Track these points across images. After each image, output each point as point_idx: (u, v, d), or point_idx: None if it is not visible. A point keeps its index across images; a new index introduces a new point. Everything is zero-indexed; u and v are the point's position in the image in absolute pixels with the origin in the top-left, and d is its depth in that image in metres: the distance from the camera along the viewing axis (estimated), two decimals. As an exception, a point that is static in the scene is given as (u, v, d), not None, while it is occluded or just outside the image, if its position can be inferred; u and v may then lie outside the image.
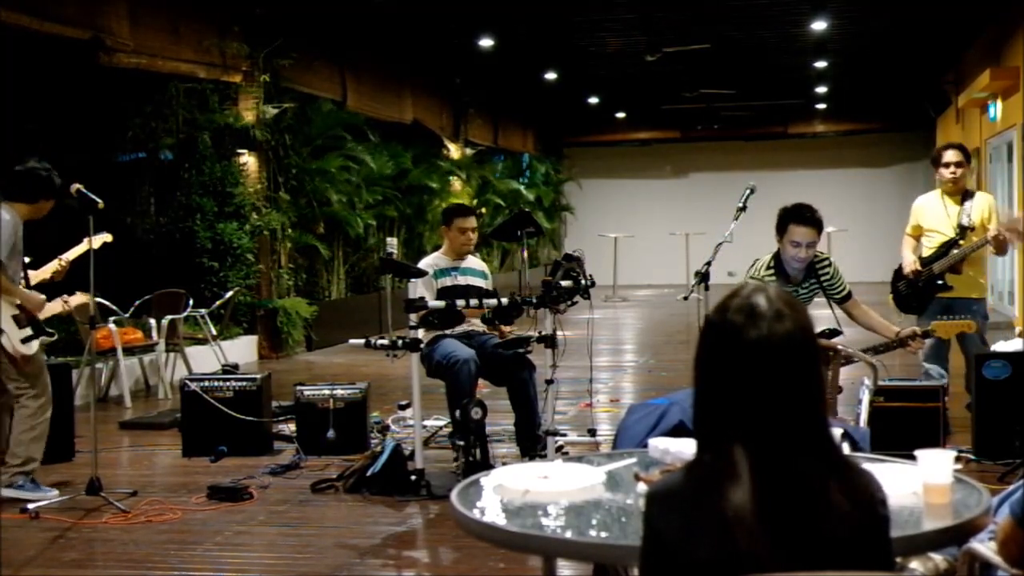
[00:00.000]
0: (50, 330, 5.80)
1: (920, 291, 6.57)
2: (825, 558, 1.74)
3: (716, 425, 1.83)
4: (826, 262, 5.55)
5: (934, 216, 6.59)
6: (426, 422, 6.51)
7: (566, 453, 5.84)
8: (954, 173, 6.49)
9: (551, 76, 16.91)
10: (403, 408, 7.05)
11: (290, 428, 6.89)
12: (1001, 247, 6.35)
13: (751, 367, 1.80)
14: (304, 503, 5.58)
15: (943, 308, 6.47)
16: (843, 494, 1.79)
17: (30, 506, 5.34)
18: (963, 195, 6.53)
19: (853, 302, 5.62)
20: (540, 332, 5.77)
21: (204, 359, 9.73)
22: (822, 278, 5.50)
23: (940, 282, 6.48)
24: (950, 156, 6.52)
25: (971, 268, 6.51)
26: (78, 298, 5.97)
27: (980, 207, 6.50)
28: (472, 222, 6.46)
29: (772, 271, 5.45)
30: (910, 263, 6.62)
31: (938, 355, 6.52)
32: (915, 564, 3.49)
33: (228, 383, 6.73)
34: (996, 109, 13.87)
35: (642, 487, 2.67)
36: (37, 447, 5.63)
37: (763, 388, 1.79)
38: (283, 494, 5.74)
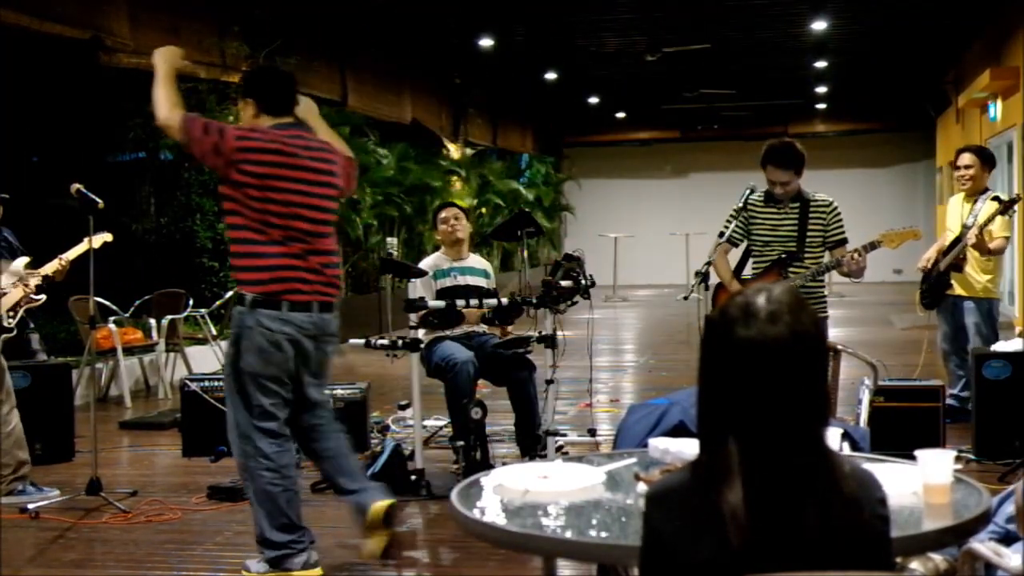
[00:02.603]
0: (8, 324, 5.78)
1: (932, 287, 6.81)
2: (824, 558, 1.74)
3: (713, 423, 1.83)
4: (824, 206, 5.49)
5: (951, 215, 6.89)
6: (426, 422, 6.51)
7: (566, 453, 5.84)
8: (963, 175, 6.71)
9: (551, 76, 16.92)
10: (403, 408, 7.05)
11: (290, 428, 6.87)
12: (978, 247, 6.47)
13: (741, 366, 1.80)
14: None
15: (951, 305, 6.80)
16: (840, 494, 1.79)
17: (30, 506, 5.34)
18: (978, 195, 6.69)
19: (839, 251, 5.50)
20: (540, 332, 5.77)
21: (204, 359, 9.73)
22: (810, 214, 5.48)
23: (945, 279, 6.71)
24: (961, 160, 6.76)
25: (974, 268, 6.62)
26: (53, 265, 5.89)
27: (987, 208, 6.60)
28: (451, 211, 6.51)
29: (761, 194, 5.55)
30: (924, 258, 6.89)
31: (954, 344, 6.78)
32: (915, 564, 3.50)
33: (228, 383, 6.71)
34: (996, 109, 13.87)
35: (642, 487, 2.67)
36: (21, 450, 5.63)
37: (753, 388, 1.79)
38: (283, 494, 5.72)
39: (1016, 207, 6.46)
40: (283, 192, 4.13)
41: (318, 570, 4.29)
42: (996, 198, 6.52)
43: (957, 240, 6.64)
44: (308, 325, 4.22)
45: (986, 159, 6.78)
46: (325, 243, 4.27)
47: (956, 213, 6.80)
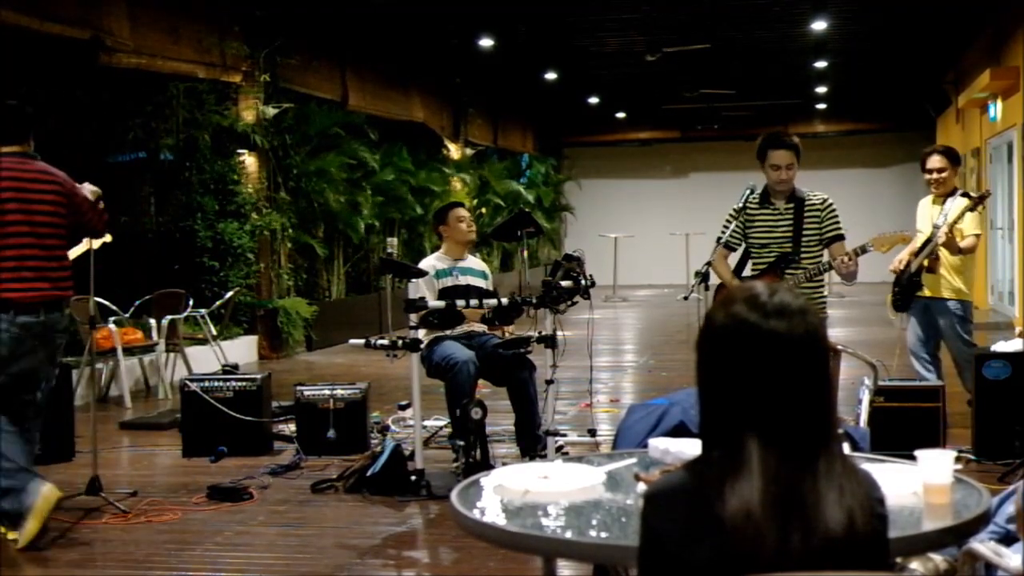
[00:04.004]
0: None
1: (904, 289, 6.65)
2: (824, 558, 1.74)
3: (730, 420, 1.81)
4: (818, 204, 5.48)
5: (922, 216, 6.71)
6: (426, 422, 6.51)
7: (566, 453, 5.84)
8: (936, 179, 6.56)
9: (551, 76, 16.92)
10: (403, 408, 7.06)
11: (290, 428, 6.89)
12: (948, 245, 6.33)
13: (782, 362, 1.79)
14: (304, 503, 5.58)
15: (922, 307, 6.62)
16: (843, 493, 1.79)
17: (30, 506, 5.34)
18: (947, 196, 6.53)
19: (835, 247, 5.49)
20: (540, 332, 5.77)
21: (204, 359, 9.73)
22: (805, 213, 5.47)
23: (915, 280, 6.55)
24: (932, 162, 6.58)
25: (947, 269, 6.46)
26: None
27: (957, 205, 6.43)
28: (465, 211, 6.52)
29: (756, 197, 5.54)
30: (896, 260, 6.70)
31: (925, 346, 6.62)
32: (915, 564, 3.50)
33: (228, 383, 6.73)
34: (996, 109, 13.87)
35: (642, 487, 2.67)
36: None
37: (790, 383, 1.79)
38: (283, 494, 5.74)
39: (985, 202, 6.33)
40: (14, 213, 4.86)
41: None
42: (965, 194, 6.37)
43: (928, 241, 6.48)
44: (35, 326, 4.88)
45: (954, 159, 6.63)
46: (52, 252, 5.00)
47: (926, 215, 6.66)
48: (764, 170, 5.52)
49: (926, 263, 6.44)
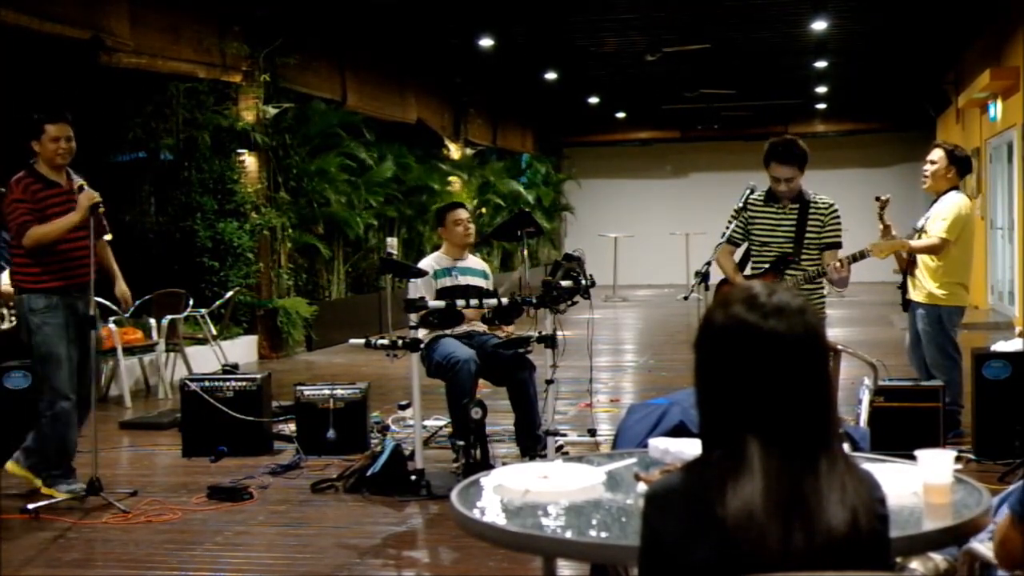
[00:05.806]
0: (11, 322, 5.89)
1: (903, 290, 6.61)
2: (827, 557, 1.74)
3: (730, 421, 1.81)
4: (823, 208, 5.46)
5: (921, 216, 6.60)
6: (426, 422, 6.51)
7: (566, 453, 5.84)
8: (924, 170, 6.44)
9: (551, 76, 16.92)
10: (403, 408, 7.05)
11: (290, 428, 6.88)
12: (885, 235, 6.25)
13: (782, 362, 1.79)
14: (304, 503, 5.58)
15: (912, 310, 6.53)
16: (846, 492, 1.79)
17: (30, 506, 5.34)
18: (938, 195, 6.38)
19: (829, 253, 5.46)
20: (540, 332, 5.77)
21: (204, 359, 9.73)
22: (809, 215, 5.45)
23: (903, 282, 6.52)
24: (929, 155, 6.44)
25: (923, 273, 6.37)
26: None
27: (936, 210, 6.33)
28: (464, 214, 6.50)
29: (761, 194, 5.53)
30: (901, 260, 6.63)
31: (914, 348, 6.56)
32: (915, 564, 3.50)
33: (228, 383, 6.73)
34: (996, 109, 13.87)
35: (642, 487, 2.67)
36: None
37: (790, 383, 1.79)
38: (283, 494, 5.74)
39: (884, 206, 6.16)
40: None
41: None
42: (877, 198, 6.25)
43: None
44: None
45: (954, 160, 6.33)
46: None
47: (920, 213, 6.59)
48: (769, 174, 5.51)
49: (905, 265, 6.41)
